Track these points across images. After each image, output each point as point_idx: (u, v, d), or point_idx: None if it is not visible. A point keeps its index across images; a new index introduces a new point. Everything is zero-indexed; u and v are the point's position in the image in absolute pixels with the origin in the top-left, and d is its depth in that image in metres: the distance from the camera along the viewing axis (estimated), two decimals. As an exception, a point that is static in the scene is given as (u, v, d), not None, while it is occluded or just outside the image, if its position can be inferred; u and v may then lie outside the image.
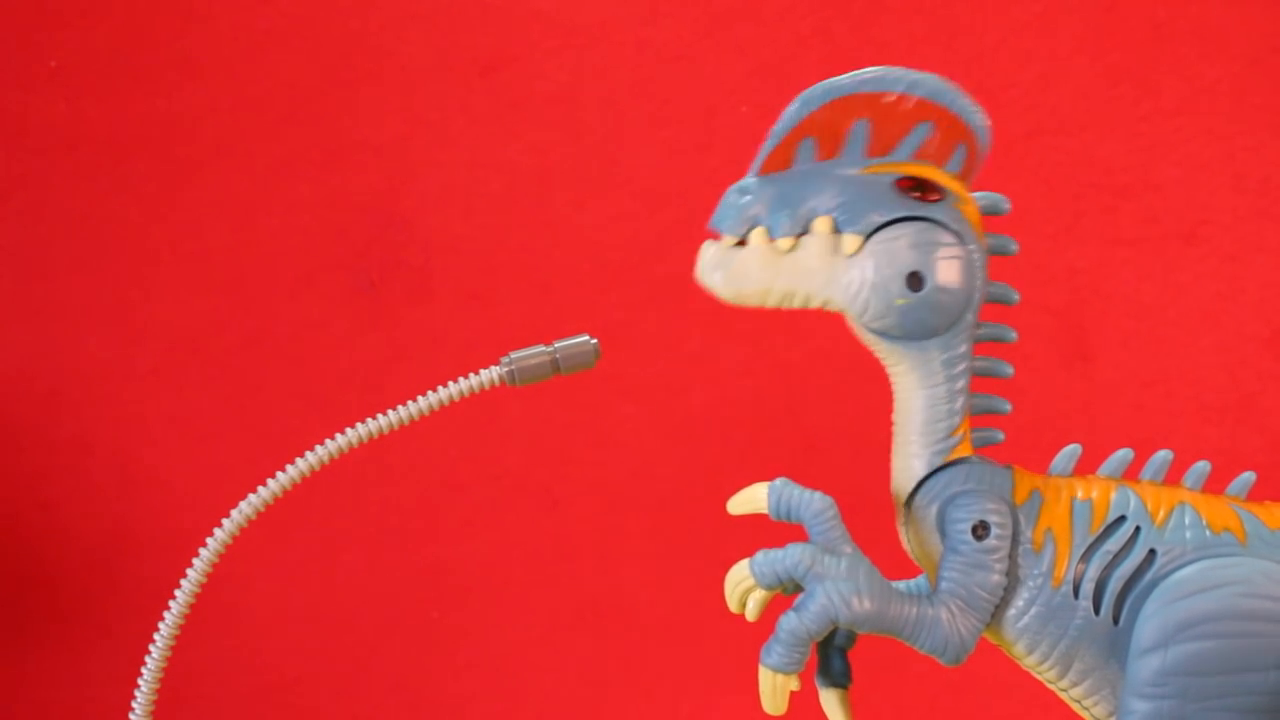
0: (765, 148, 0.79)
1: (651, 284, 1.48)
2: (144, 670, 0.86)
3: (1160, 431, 1.43)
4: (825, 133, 0.78)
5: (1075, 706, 0.82)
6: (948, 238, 0.78)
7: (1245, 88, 1.43)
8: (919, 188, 0.78)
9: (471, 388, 0.85)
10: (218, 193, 1.52)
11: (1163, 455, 0.82)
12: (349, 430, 0.85)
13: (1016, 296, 0.82)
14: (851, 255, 0.78)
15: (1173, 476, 0.82)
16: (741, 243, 0.79)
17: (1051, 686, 0.82)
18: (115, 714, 0.90)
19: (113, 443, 1.53)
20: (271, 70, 1.51)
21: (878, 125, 0.78)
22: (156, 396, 1.53)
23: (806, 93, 0.78)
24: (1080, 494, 0.80)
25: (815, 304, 0.79)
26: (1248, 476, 0.83)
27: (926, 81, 0.79)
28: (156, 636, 0.85)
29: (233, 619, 1.51)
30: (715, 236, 0.80)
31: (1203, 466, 0.82)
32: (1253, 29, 1.43)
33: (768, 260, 0.78)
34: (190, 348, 1.52)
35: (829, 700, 0.85)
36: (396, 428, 0.85)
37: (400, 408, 0.85)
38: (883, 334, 0.79)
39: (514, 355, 0.85)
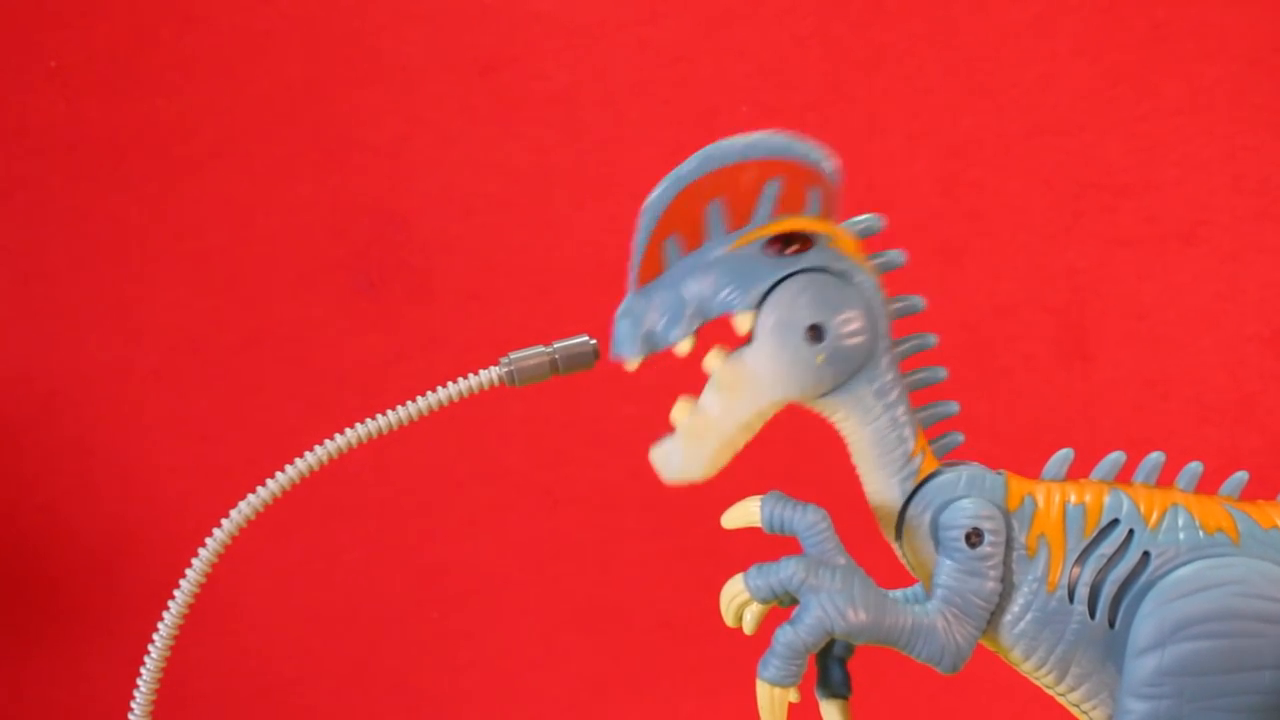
0: (633, 262, 0.79)
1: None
2: (143, 670, 0.86)
3: (1160, 432, 1.43)
4: (684, 225, 0.78)
5: (1074, 711, 0.82)
6: (830, 279, 0.78)
7: (1245, 88, 1.43)
8: (787, 242, 0.78)
9: (471, 388, 0.85)
10: (217, 193, 1.52)
11: (1155, 457, 0.82)
12: (349, 430, 0.85)
13: (923, 304, 0.81)
14: (753, 344, 0.78)
15: (1165, 478, 0.82)
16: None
17: (1050, 691, 0.82)
18: (115, 714, 0.90)
19: (113, 443, 1.53)
20: (271, 70, 1.51)
21: (730, 199, 0.78)
22: (156, 396, 1.53)
23: (650, 197, 0.78)
24: (1073, 498, 0.80)
25: (768, 414, 0.79)
26: (1240, 476, 0.83)
27: (759, 142, 0.78)
28: (156, 636, 0.85)
29: (233, 619, 1.51)
30: (621, 366, 0.80)
31: (1195, 467, 0.82)
32: (1253, 29, 1.43)
33: (700, 426, 0.79)
34: (190, 348, 1.52)
35: (830, 711, 0.85)
36: (396, 428, 0.85)
37: (400, 408, 0.85)
38: (822, 395, 0.79)
39: (513, 355, 0.85)
